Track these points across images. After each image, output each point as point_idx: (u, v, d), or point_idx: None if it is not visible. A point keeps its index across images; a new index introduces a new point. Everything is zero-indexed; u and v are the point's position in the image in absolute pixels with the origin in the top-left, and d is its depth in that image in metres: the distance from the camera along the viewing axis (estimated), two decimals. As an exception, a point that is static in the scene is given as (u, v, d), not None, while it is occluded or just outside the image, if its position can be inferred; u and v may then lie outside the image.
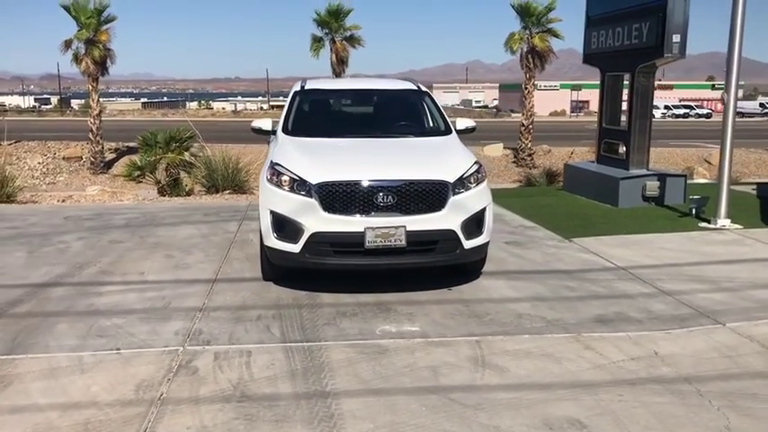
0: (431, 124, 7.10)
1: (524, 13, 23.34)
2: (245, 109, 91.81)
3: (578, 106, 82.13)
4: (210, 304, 5.62)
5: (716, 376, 4.27)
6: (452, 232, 5.70)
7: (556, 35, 23.14)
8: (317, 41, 24.11)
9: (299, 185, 5.64)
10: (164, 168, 13.23)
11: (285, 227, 5.68)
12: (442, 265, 5.93)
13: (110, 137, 26.45)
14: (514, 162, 23.94)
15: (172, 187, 12.85)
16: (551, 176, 16.37)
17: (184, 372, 4.30)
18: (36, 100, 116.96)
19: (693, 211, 9.02)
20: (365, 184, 5.55)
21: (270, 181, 5.84)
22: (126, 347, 4.69)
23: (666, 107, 74.06)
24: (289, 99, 7.21)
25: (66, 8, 21.63)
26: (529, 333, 5.00)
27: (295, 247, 5.63)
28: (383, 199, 5.53)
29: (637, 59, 9.99)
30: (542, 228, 8.59)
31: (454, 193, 5.72)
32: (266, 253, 5.94)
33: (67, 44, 21.49)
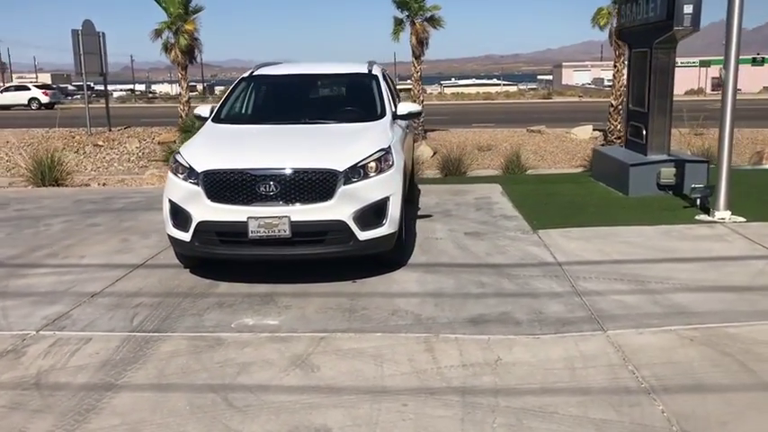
0: (367, 109, 6.83)
1: (615, -16, 21.89)
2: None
3: (720, 84, 76.66)
4: (109, 290, 5.75)
5: (534, 390, 3.85)
6: (342, 223, 5.49)
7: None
8: (398, 24, 23.92)
9: (189, 174, 5.64)
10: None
11: (179, 215, 5.71)
12: (337, 257, 5.73)
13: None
14: (603, 145, 22.64)
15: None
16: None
17: (10, 356, 4.43)
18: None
19: (698, 201, 8.14)
20: (248, 172, 5.46)
21: (170, 169, 5.89)
22: (-15, 330, 4.90)
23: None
24: (232, 86, 7.22)
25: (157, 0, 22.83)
26: (383, 331, 4.74)
27: (186, 236, 5.66)
28: (265, 188, 5.42)
29: (653, 33, 9.11)
30: (521, 218, 8.07)
31: (346, 182, 5.50)
32: (173, 241, 6.01)
33: (158, 33, 22.71)
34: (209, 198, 5.51)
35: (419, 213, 8.44)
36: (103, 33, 27.39)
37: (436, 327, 4.80)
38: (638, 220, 7.74)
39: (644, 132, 9.56)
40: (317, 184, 5.45)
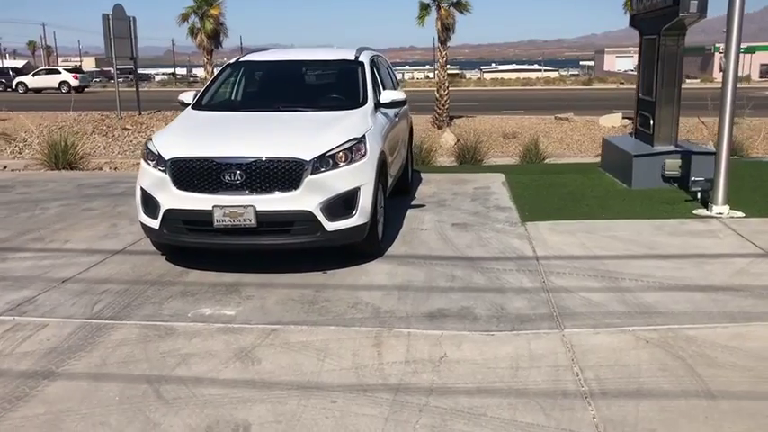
0: (348, 97, 6.71)
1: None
2: (412, 78, 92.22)
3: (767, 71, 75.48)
4: (81, 276, 5.79)
5: (469, 390, 3.75)
6: (309, 213, 5.42)
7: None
8: (423, 8, 23.65)
9: (158, 161, 5.63)
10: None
11: (149, 203, 5.71)
12: (306, 247, 5.68)
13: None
14: (631, 133, 22.07)
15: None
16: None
17: (-37, 341, 4.49)
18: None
19: (699, 195, 7.86)
20: (214, 160, 5.42)
21: (142, 156, 5.89)
22: (-51, 313, 4.97)
23: None
24: (217, 72, 7.18)
25: (184, -16, 23.01)
26: (337, 324, 4.67)
27: (155, 223, 5.66)
28: (231, 176, 5.38)
29: (660, 20, 8.79)
30: (514, 209, 7.90)
31: (314, 172, 5.42)
32: (146, 228, 6.01)
33: (184, 17, 22.89)
34: (175, 186, 5.49)
35: (412, 203, 8.33)
36: (134, 18, 27.67)
37: (392, 321, 4.71)
38: (632, 213, 7.51)
39: (651, 122, 9.26)
40: (282, 174, 5.38)
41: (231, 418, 3.49)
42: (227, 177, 5.37)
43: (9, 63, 75.49)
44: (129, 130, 24.63)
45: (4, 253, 6.51)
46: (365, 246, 5.94)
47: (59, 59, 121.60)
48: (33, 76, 52.90)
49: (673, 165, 8.76)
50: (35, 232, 7.25)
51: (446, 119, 23.71)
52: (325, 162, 5.48)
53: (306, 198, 5.40)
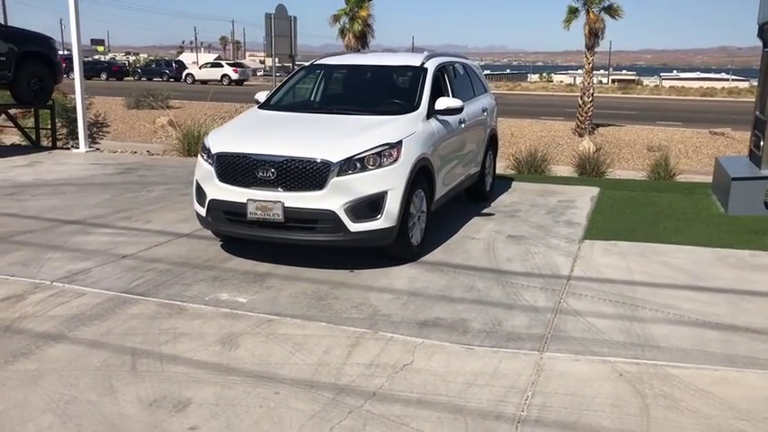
0: (402, 102, 6.80)
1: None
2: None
3: None
4: (141, 254, 6.39)
5: (410, 399, 3.79)
6: (332, 213, 5.63)
7: None
8: (571, 12, 22.92)
9: (208, 155, 6.09)
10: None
11: (200, 192, 6.20)
12: (330, 245, 5.90)
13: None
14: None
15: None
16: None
17: (12, 300, 5.15)
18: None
19: (792, 225, 7.14)
20: (250, 157, 5.79)
21: (200, 150, 6.39)
22: (17, 275, 5.70)
23: None
24: (292, 73, 7.57)
25: (338, -14, 24.03)
26: (329, 322, 4.85)
27: (203, 211, 6.14)
28: (264, 173, 5.72)
29: (775, 33, 8.06)
30: (583, 226, 7.62)
31: (340, 174, 5.63)
32: (200, 214, 6.52)
33: (336, 18, 23.91)
34: (219, 178, 5.92)
35: (482, 211, 8.27)
36: (295, 17, 29.23)
37: (382, 324, 4.81)
38: (706, 240, 6.98)
39: (761, 143, 8.51)
40: (309, 173, 5.63)
41: (177, 396, 3.79)
42: (260, 173, 5.71)
43: (179, 56, 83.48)
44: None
45: (91, 228, 7.30)
46: (395, 249, 6.05)
47: (247, 54, 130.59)
48: (200, 68, 58.44)
49: (776, 191, 8.00)
50: (128, 212, 8.04)
51: (588, 126, 22.91)
52: (353, 165, 5.66)
53: (330, 198, 5.61)
